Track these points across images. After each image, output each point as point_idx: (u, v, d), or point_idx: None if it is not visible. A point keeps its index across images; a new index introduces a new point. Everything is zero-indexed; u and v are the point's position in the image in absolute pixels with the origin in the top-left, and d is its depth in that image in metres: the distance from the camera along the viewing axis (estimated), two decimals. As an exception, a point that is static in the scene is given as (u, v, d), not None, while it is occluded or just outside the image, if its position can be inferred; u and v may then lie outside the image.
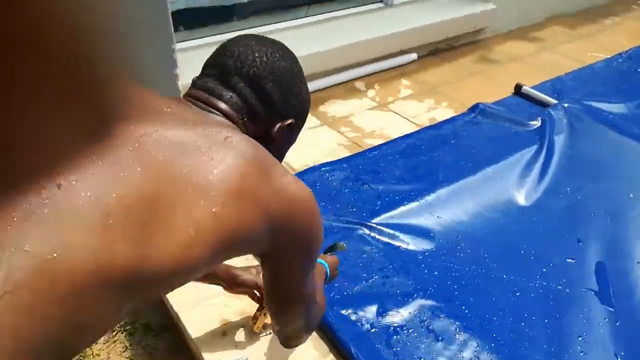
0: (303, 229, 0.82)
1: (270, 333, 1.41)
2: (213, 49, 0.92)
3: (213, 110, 0.83)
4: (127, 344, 1.66)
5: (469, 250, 1.74)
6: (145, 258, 0.60)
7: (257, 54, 0.85)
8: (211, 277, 1.32)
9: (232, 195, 0.69)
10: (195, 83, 0.88)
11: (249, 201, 0.72)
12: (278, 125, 0.89)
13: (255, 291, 1.36)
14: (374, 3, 3.07)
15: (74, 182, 0.56)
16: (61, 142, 0.57)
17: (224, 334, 1.42)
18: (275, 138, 0.90)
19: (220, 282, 1.34)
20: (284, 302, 0.95)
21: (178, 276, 0.66)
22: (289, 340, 1.06)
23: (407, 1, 3.14)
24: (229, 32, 2.62)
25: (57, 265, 0.53)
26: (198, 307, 1.49)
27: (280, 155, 0.95)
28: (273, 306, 0.97)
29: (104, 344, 1.67)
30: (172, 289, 0.72)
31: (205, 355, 1.36)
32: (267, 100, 0.87)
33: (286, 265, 0.86)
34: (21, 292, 0.51)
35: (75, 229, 0.56)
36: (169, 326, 1.60)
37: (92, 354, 1.63)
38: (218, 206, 0.67)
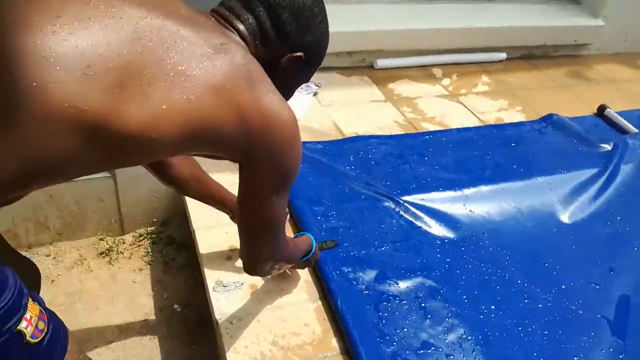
0: (276, 146, 0.87)
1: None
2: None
3: (229, 27, 0.90)
4: (149, 250, 1.81)
5: (490, 249, 1.72)
6: (115, 113, 0.69)
7: None
8: (220, 205, 1.42)
9: (210, 90, 0.76)
10: (222, 1, 0.95)
11: (225, 101, 0.78)
12: (287, 56, 0.94)
13: None
14: (476, -5, 3.00)
15: (67, 33, 0.66)
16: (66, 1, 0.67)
17: (228, 258, 1.52)
18: (283, 67, 0.95)
19: (227, 211, 1.44)
20: (251, 218, 0.98)
21: (139, 143, 0.74)
22: (249, 264, 1.08)
23: None
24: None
25: (35, 96, 0.63)
26: (214, 229, 1.59)
27: (285, 87, 0.99)
28: (241, 220, 1.00)
29: (130, 245, 1.83)
30: (133, 160, 0.81)
31: (206, 271, 1.47)
32: (281, 29, 0.92)
33: (257, 179, 0.91)
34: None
35: (57, 69, 0.66)
36: (189, 244, 1.73)
37: (118, 250, 1.79)
38: (194, 95, 0.74)
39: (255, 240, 1.02)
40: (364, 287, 1.48)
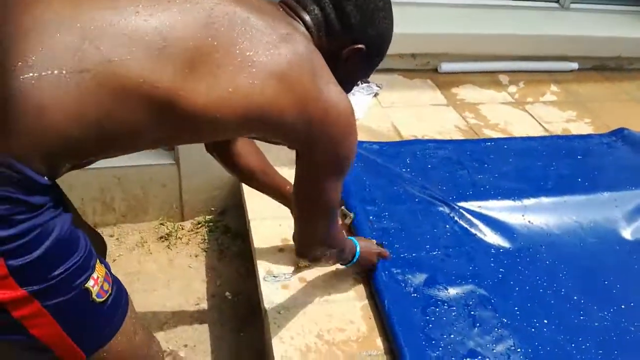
0: (334, 136, 0.89)
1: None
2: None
3: (296, 18, 0.93)
4: (206, 238, 1.88)
5: (547, 262, 1.66)
6: (184, 92, 0.74)
7: None
8: (282, 197, 1.44)
9: (274, 77, 0.80)
10: None
11: (286, 88, 0.82)
12: (349, 48, 0.96)
13: None
14: (549, 1, 2.91)
15: (148, 15, 0.73)
16: None
17: (280, 250, 1.55)
18: (344, 59, 0.97)
19: (289, 204, 1.46)
20: (306, 202, 1.02)
21: (204, 121, 0.79)
22: (302, 246, 1.12)
23: (585, 8, 2.92)
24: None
25: (115, 68, 0.70)
26: (268, 221, 1.63)
27: (346, 79, 1.00)
28: (297, 205, 1.04)
29: (189, 231, 1.90)
30: (196, 137, 0.87)
31: (258, 261, 1.50)
32: (345, 21, 0.94)
33: (313, 166, 0.94)
34: (86, 76, 0.69)
35: (137, 47, 0.72)
36: (243, 234, 1.77)
37: (177, 235, 1.87)
38: (259, 80, 0.78)
39: (309, 224, 1.06)
40: (412, 289, 1.47)
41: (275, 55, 0.81)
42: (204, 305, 1.66)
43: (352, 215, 1.61)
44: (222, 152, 1.29)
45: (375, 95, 2.35)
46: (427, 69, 2.64)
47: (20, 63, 0.67)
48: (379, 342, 1.33)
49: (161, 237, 1.85)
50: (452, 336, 1.37)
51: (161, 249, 1.82)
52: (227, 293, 1.70)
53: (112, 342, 0.86)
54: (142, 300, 1.64)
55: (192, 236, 1.88)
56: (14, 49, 0.68)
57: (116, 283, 0.87)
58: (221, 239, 1.86)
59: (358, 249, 1.37)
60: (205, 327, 1.60)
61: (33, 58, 0.68)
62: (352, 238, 1.39)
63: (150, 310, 1.62)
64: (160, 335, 1.55)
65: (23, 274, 0.70)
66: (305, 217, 1.06)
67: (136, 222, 1.90)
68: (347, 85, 1.02)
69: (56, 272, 0.73)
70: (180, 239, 1.87)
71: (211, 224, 1.90)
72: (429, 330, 1.37)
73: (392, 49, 2.81)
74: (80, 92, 0.69)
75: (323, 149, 0.91)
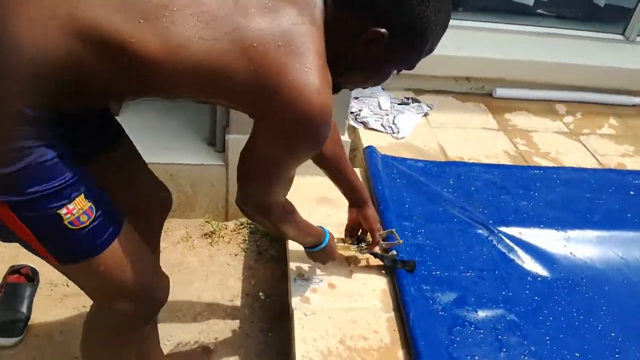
0: (293, 116, 0.86)
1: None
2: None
3: None
4: (247, 239, 1.95)
5: (587, 295, 1.62)
6: (134, 39, 0.80)
7: None
8: (348, 189, 1.47)
9: (231, 42, 0.83)
10: None
11: (244, 56, 0.83)
12: (370, 30, 0.89)
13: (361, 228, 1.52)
14: (614, 33, 2.84)
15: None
16: None
17: (313, 255, 1.59)
18: (365, 43, 0.91)
19: (349, 198, 1.50)
20: (245, 159, 0.99)
21: (158, 71, 0.83)
22: (239, 198, 1.08)
23: (654, 41, 2.83)
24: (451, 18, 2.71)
25: (79, 14, 0.79)
26: (305, 227, 1.68)
27: (366, 67, 0.96)
28: (238, 161, 1.01)
29: (231, 231, 1.98)
30: (163, 91, 0.91)
31: (291, 263, 1.55)
32: (368, 1, 0.89)
33: (263, 137, 0.93)
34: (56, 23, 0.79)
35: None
36: (282, 239, 1.83)
37: (220, 234, 1.95)
38: (211, 38, 0.82)
39: (246, 177, 1.03)
40: (440, 307, 1.48)
41: (241, 22, 0.82)
42: (237, 302, 1.72)
43: (395, 252, 1.58)
44: None
45: (425, 115, 2.37)
46: (481, 93, 2.63)
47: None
48: (400, 354, 1.34)
49: (205, 234, 1.94)
50: (476, 358, 1.36)
51: (204, 245, 1.91)
52: (260, 293, 1.75)
53: (84, 265, 0.94)
54: (180, 290, 1.72)
55: (234, 236, 1.95)
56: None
57: (106, 212, 0.92)
58: (260, 241, 1.92)
59: (325, 243, 1.37)
60: (237, 323, 1.65)
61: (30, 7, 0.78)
62: (326, 231, 1.41)
63: (187, 300, 1.69)
64: (193, 326, 1.62)
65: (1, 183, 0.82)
66: (243, 172, 1.02)
67: (183, 217, 1.99)
68: (369, 75, 0.99)
69: (30, 190, 0.82)
70: (223, 238, 1.95)
71: (252, 226, 1.97)
72: (452, 350, 1.37)
73: (446, 71, 2.86)
74: (53, 35, 0.78)
75: (270, 130, 0.90)
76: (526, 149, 2.27)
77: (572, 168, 2.14)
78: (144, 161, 1.25)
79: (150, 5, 0.81)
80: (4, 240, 0.96)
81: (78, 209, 0.87)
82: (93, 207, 0.89)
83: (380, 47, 0.92)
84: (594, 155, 2.27)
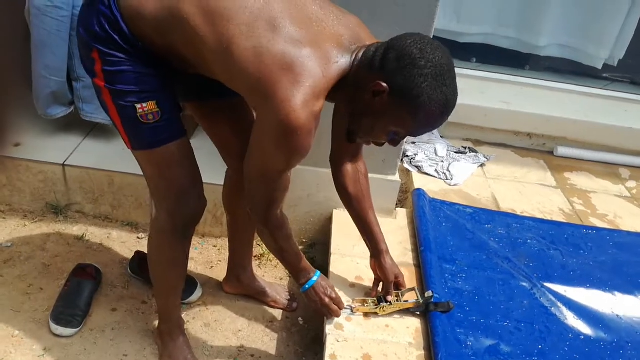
0: (274, 120, 1.08)
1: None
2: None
3: (357, 43, 1.17)
4: (293, 265, 2.03)
5: (634, 359, 1.57)
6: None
7: (409, 39, 1.10)
8: (367, 235, 1.58)
9: (253, 51, 1.09)
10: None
11: (258, 68, 1.09)
12: (378, 81, 1.10)
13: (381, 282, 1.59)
14: (686, 101, 2.77)
15: None
16: None
17: (352, 286, 1.65)
18: (371, 92, 1.12)
19: (370, 247, 1.59)
20: (246, 175, 1.25)
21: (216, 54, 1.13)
22: (246, 202, 1.32)
23: None
24: (516, 75, 2.76)
25: None
26: (347, 258, 1.75)
27: (369, 116, 1.16)
28: (244, 173, 1.26)
29: (279, 257, 2.07)
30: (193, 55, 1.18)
31: (330, 291, 1.62)
32: (384, 63, 1.11)
33: (254, 141, 1.19)
34: None
35: None
36: (326, 268, 1.89)
37: (268, 257, 2.05)
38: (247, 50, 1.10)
39: (247, 181, 1.27)
40: (472, 353, 1.48)
41: (267, 42, 1.08)
42: (277, 324, 1.79)
43: (431, 292, 1.58)
44: (335, 166, 1.52)
45: (482, 165, 2.39)
46: (542, 150, 2.63)
47: None
48: (426, 392, 1.36)
49: (255, 256, 2.04)
50: (502, 406, 1.36)
51: (253, 267, 2.00)
52: (299, 318, 1.82)
53: (145, 153, 1.29)
54: (226, 304, 1.82)
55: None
56: None
57: (168, 123, 1.25)
58: (306, 269, 2.00)
59: (315, 279, 1.47)
60: (274, 343, 1.72)
61: None
62: (318, 271, 1.49)
63: (230, 316, 1.79)
64: (233, 341, 1.71)
65: (106, 76, 1.19)
66: (246, 176, 1.26)
67: (237, 239, 2.10)
68: (375, 124, 1.18)
69: (119, 86, 1.19)
70: (271, 261, 2.04)
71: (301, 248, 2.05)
72: (479, 394, 1.37)
73: (508, 125, 2.89)
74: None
75: (258, 134, 1.16)
76: (583, 209, 2.23)
77: (628, 232, 2.09)
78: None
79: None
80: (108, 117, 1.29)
81: (148, 109, 1.21)
82: (160, 113, 1.22)
83: (383, 101, 1.12)
84: (654, 223, 2.20)
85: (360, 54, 1.15)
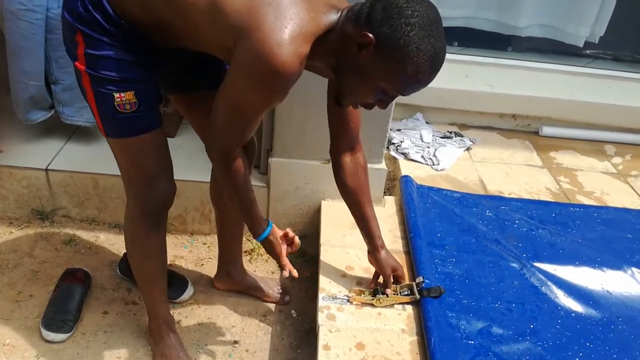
0: (255, 56, 1.03)
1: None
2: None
3: (347, 6, 1.14)
4: (284, 258, 2.03)
5: (622, 334, 1.58)
6: None
7: None
8: (364, 232, 1.57)
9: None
10: None
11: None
12: (364, 33, 1.06)
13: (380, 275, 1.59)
14: (668, 75, 2.79)
15: None
16: None
17: (343, 276, 1.66)
18: (358, 44, 1.08)
19: (367, 243, 1.59)
20: (216, 109, 1.19)
21: None
22: (208, 141, 1.27)
23: None
24: (499, 57, 2.76)
25: None
26: (337, 248, 1.75)
27: (355, 68, 1.12)
28: (212, 108, 1.21)
29: (270, 250, 2.06)
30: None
31: (321, 281, 1.63)
32: (371, 15, 1.07)
33: (230, 76, 1.12)
34: None
35: None
36: (317, 259, 1.89)
37: (259, 252, 2.04)
38: None
39: (213, 115, 1.21)
40: (464, 336, 1.49)
41: None
42: (270, 317, 1.79)
43: (422, 278, 1.60)
44: (334, 159, 1.49)
45: (468, 149, 2.40)
46: (527, 130, 2.64)
47: None
48: (420, 377, 1.37)
49: (245, 251, 2.03)
50: (496, 387, 1.37)
51: (244, 262, 2.00)
52: (292, 311, 1.82)
53: (118, 141, 1.28)
54: (218, 302, 1.82)
55: (272, 255, 2.04)
56: None
57: (144, 114, 1.24)
58: (296, 261, 1.99)
59: (269, 229, 1.41)
60: (268, 337, 1.72)
61: None
62: (271, 222, 1.43)
63: (223, 312, 1.78)
64: (227, 337, 1.70)
65: (88, 60, 1.18)
66: (215, 113, 1.20)
67: (226, 235, 2.10)
68: (361, 80, 1.13)
69: (102, 72, 1.18)
70: (262, 256, 2.04)
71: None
72: (473, 377, 1.38)
73: (492, 107, 2.90)
74: None
75: (237, 70, 1.09)
76: (570, 187, 2.25)
77: (615, 208, 2.10)
78: None
79: None
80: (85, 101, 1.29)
81: (126, 99, 1.21)
82: (137, 103, 1.22)
83: (370, 53, 1.08)
84: (641, 197, 2.22)
85: (347, 11, 1.13)
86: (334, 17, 1.12)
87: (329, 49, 1.13)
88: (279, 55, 1.02)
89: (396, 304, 1.57)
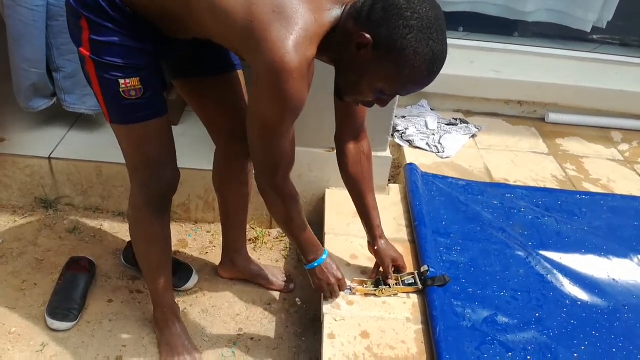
0: (269, 67, 1.03)
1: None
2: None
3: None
4: (288, 247, 2.03)
5: (629, 323, 1.57)
6: None
7: None
8: (363, 220, 1.56)
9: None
10: None
11: (248, 11, 1.04)
12: (362, 32, 1.06)
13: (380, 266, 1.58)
14: (678, 61, 2.75)
15: None
16: None
17: (347, 264, 1.65)
18: (356, 44, 1.07)
19: (367, 232, 1.58)
20: (250, 140, 1.22)
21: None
22: (256, 176, 1.30)
23: None
24: (505, 42, 2.73)
25: None
26: (342, 237, 1.74)
27: (353, 67, 1.11)
28: (249, 139, 1.23)
29: (274, 239, 2.06)
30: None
31: (326, 271, 1.61)
32: (370, 14, 1.06)
33: (253, 96, 1.13)
34: None
35: None
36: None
37: (263, 240, 2.04)
38: None
39: (252, 147, 1.23)
40: (470, 324, 1.48)
41: None
42: (275, 305, 1.79)
43: (427, 267, 1.60)
44: (339, 146, 1.49)
45: (473, 136, 2.38)
46: (533, 117, 2.61)
47: None
48: (425, 365, 1.37)
49: (250, 240, 2.03)
50: (502, 376, 1.36)
51: (248, 250, 1.99)
52: (297, 299, 1.82)
53: (123, 127, 1.27)
54: (222, 290, 1.82)
55: (276, 243, 2.04)
56: None
57: (150, 100, 1.23)
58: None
59: (324, 257, 1.44)
60: (272, 325, 1.72)
61: None
62: (326, 250, 1.47)
63: (228, 301, 1.78)
64: (231, 325, 1.71)
65: (92, 46, 1.16)
66: (250, 141, 1.23)
67: (231, 223, 2.09)
68: (360, 79, 1.12)
69: (106, 58, 1.16)
70: (266, 244, 2.03)
71: (294, 234, 2.04)
72: (478, 365, 1.37)
73: (498, 94, 2.87)
74: None
75: (258, 80, 1.08)
76: (576, 174, 2.23)
77: (622, 195, 2.09)
78: (245, 107, 1.46)
79: None
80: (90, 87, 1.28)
81: (131, 85, 1.20)
82: (142, 90, 1.21)
83: (368, 54, 1.08)
84: (648, 184, 2.20)
85: (349, 6, 1.11)
86: (337, 12, 1.11)
87: (332, 45, 1.13)
88: (289, 62, 1.03)
89: (399, 293, 1.56)
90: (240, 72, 1.46)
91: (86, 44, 1.17)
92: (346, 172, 1.51)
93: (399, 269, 1.60)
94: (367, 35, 1.05)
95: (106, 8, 1.13)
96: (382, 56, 1.06)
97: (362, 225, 1.58)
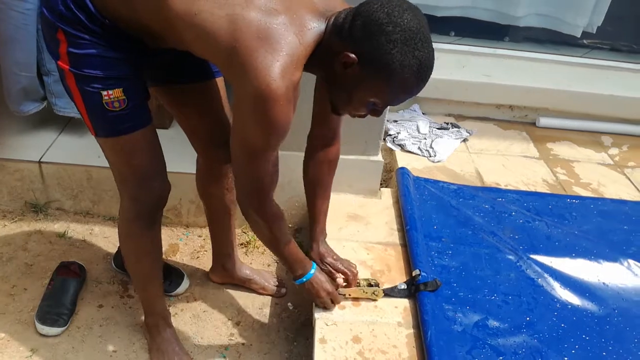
0: (253, 92, 1.03)
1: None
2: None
3: (330, 9, 1.12)
4: (280, 251, 2.02)
5: (618, 326, 1.58)
6: None
7: (377, 3, 1.03)
8: (312, 223, 1.60)
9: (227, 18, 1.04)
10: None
11: (233, 36, 1.03)
12: (345, 52, 1.05)
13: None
14: (666, 66, 2.78)
15: None
16: None
17: (339, 269, 1.64)
18: (342, 63, 1.07)
19: (310, 238, 1.60)
20: (232, 160, 1.21)
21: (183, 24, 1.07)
22: (238, 197, 1.30)
23: None
24: (496, 47, 2.74)
25: None
26: (334, 241, 1.72)
27: (341, 85, 1.12)
28: (232, 161, 1.23)
29: (266, 243, 2.06)
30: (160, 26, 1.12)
31: (317, 275, 1.61)
32: (352, 31, 1.05)
33: (236, 118, 1.14)
34: None
35: None
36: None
37: (255, 245, 2.03)
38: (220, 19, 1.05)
39: (235, 166, 1.23)
40: (461, 328, 1.49)
41: (240, 10, 1.03)
42: (267, 310, 1.79)
43: (418, 271, 1.60)
44: (307, 145, 1.50)
45: (464, 140, 2.39)
46: (524, 121, 2.63)
47: None
48: (417, 370, 1.37)
49: (241, 244, 2.02)
50: (493, 380, 1.37)
51: (240, 254, 1.99)
52: (289, 303, 1.82)
53: (109, 140, 1.25)
54: (214, 294, 1.81)
55: (268, 247, 2.03)
56: None
57: (134, 111, 1.21)
58: (293, 254, 1.99)
59: (312, 272, 1.44)
60: (264, 330, 1.72)
61: None
62: (315, 264, 1.48)
63: (219, 305, 1.78)
64: (223, 330, 1.70)
65: (71, 59, 1.13)
66: (233, 161, 1.22)
67: (222, 228, 2.09)
68: (351, 96, 1.13)
69: (86, 70, 1.14)
70: (258, 248, 2.03)
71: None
72: (469, 370, 1.38)
73: (489, 98, 2.89)
74: None
75: (237, 106, 1.09)
76: (566, 178, 2.24)
77: (612, 199, 2.10)
78: (225, 114, 1.49)
79: None
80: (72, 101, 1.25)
81: (114, 97, 1.17)
82: (126, 100, 1.18)
83: (355, 72, 1.08)
84: (637, 189, 2.21)
85: (332, 20, 1.10)
86: (321, 27, 1.10)
87: (318, 62, 1.12)
88: (276, 90, 1.03)
89: (361, 298, 1.55)
90: (220, 79, 1.44)
91: (64, 57, 1.14)
92: (306, 173, 1.54)
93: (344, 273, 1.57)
94: (352, 55, 1.05)
95: (84, 20, 1.10)
96: (369, 73, 1.06)
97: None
